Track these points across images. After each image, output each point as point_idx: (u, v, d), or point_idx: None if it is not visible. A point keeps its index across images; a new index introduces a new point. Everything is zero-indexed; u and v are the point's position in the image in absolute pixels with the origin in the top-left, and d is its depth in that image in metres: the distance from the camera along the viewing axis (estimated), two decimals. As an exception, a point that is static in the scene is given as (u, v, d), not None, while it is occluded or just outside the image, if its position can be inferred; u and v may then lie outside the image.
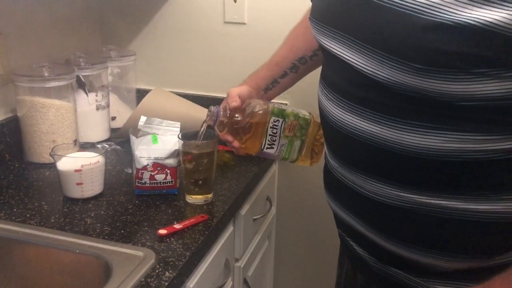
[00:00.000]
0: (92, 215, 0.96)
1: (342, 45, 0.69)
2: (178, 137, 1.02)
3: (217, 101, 1.50)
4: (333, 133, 0.75)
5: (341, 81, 0.72)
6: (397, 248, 0.73)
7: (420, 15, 0.57)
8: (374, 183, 0.70)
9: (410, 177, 0.67)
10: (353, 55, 0.67)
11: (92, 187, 1.02)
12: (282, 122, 0.96)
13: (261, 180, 1.30)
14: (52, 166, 1.07)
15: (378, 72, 0.63)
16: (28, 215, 0.95)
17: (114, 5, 1.55)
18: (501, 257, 0.69)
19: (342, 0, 0.69)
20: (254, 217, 1.24)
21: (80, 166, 1.00)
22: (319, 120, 0.90)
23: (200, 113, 1.35)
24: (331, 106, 0.74)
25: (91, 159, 1.01)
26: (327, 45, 0.73)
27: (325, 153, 0.85)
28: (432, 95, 0.60)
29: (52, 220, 0.94)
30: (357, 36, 0.66)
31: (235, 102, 0.97)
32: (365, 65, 0.65)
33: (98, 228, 0.91)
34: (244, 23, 1.46)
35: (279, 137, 0.96)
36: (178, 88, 1.54)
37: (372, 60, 0.63)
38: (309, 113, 1.01)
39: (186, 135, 1.03)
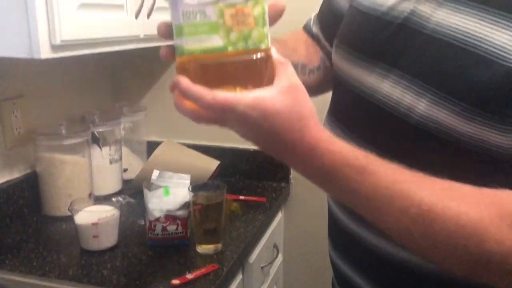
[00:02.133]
0: (108, 266, 1.01)
1: (377, 75, 0.65)
2: (189, 189, 1.08)
3: (225, 151, 1.57)
4: None
5: (357, 113, 0.69)
6: None
7: (503, 62, 0.54)
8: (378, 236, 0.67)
9: None
10: (387, 86, 0.64)
11: (108, 239, 1.08)
12: None
13: (268, 227, 1.35)
14: (69, 219, 1.12)
15: (417, 107, 0.60)
16: (48, 268, 1.00)
17: (126, 64, 1.65)
18: None
19: (386, 29, 0.66)
20: (262, 265, 1.28)
21: (96, 219, 1.05)
22: None
23: (209, 164, 1.41)
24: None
25: (107, 213, 1.07)
26: (351, 72, 0.69)
27: (328, 203, 0.85)
28: (467, 140, 0.57)
29: (71, 273, 0.99)
30: (404, 69, 0.62)
31: None
32: (401, 98, 0.61)
33: (114, 280, 0.96)
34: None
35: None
36: (188, 139, 1.61)
37: (414, 94, 0.60)
38: None
39: (196, 187, 1.09)
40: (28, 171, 1.30)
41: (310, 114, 0.53)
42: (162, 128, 1.66)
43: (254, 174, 1.56)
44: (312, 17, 0.91)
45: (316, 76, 0.88)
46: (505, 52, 0.54)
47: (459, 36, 0.57)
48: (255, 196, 1.41)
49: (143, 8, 1.18)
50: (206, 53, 0.50)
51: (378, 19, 0.67)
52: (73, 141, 1.24)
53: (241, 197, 1.40)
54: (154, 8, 1.22)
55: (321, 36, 0.88)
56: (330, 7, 0.85)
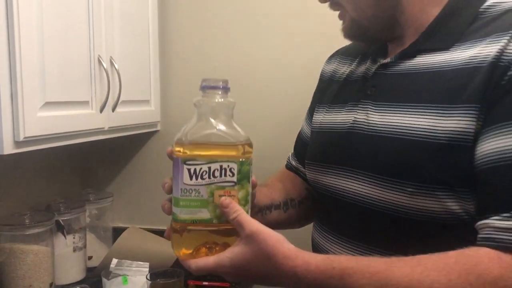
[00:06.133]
0: None
1: (343, 178, 0.79)
2: (146, 278, 1.09)
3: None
4: None
5: (339, 218, 0.82)
6: None
7: (433, 140, 0.67)
8: None
9: None
10: (353, 184, 0.77)
11: (63, 331, 1.07)
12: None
13: (231, 313, 1.34)
14: (27, 311, 1.11)
15: (379, 196, 0.73)
16: None
17: (94, 152, 1.70)
18: None
19: (340, 139, 0.82)
20: None
21: (52, 311, 1.05)
22: None
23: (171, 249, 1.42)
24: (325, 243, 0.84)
25: (64, 304, 1.07)
26: (325, 182, 0.83)
27: None
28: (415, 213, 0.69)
29: None
30: (360, 166, 0.76)
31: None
32: (366, 191, 0.74)
33: None
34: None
35: None
36: (154, 225, 1.63)
37: (373, 185, 0.74)
38: None
39: (154, 275, 1.10)
40: (-11, 261, 1.29)
41: (276, 249, 0.63)
42: (128, 215, 1.69)
43: (219, 258, 1.57)
44: (290, 154, 1.07)
45: (305, 206, 1.00)
46: (430, 132, 0.68)
47: (393, 129, 0.72)
48: (219, 282, 1.41)
49: (107, 102, 1.26)
50: (195, 223, 0.65)
51: (334, 133, 0.84)
52: (36, 230, 1.25)
53: (205, 283, 1.40)
54: (119, 102, 1.30)
55: (299, 165, 1.02)
56: (301, 141, 1.02)
